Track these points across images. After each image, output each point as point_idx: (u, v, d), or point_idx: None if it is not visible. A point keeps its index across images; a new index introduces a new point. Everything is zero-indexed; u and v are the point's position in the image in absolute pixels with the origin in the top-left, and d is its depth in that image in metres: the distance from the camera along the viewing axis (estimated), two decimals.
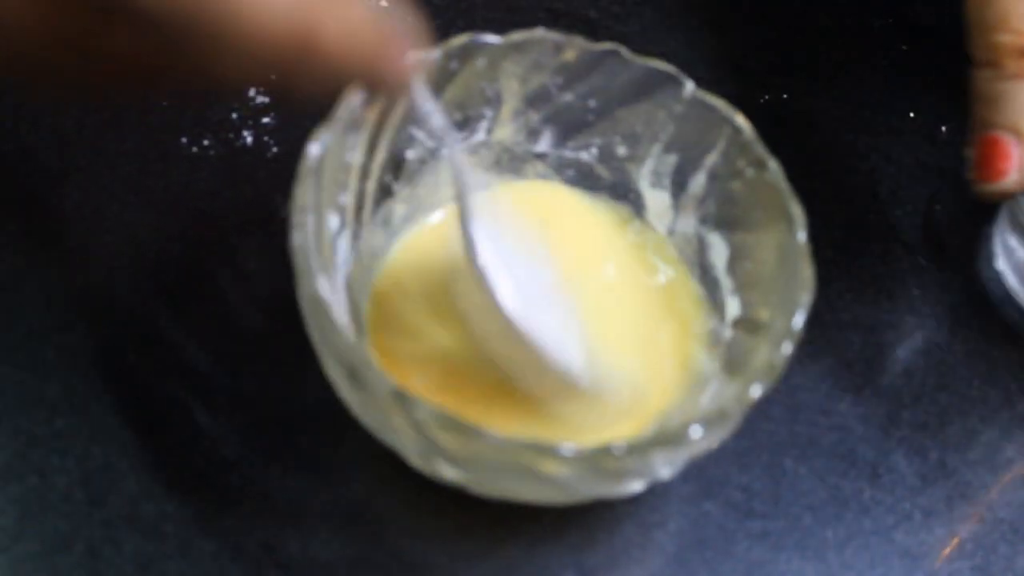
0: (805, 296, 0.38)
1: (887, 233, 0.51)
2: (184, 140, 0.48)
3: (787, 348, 0.37)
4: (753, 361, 0.39)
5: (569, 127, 0.45)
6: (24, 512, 0.40)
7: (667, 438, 0.36)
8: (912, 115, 0.55)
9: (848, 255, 0.50)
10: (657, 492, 0.42)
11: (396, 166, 0.44)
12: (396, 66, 0.35)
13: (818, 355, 0.46)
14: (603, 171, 0.46)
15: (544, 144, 0.46)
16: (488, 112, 0.44)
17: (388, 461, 0.43)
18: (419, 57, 0.36)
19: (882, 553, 0.43)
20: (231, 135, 0.49)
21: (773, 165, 0.41)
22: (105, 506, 0.40)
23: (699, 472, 0.43)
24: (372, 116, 0.41)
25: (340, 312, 0.39)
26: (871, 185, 0.52)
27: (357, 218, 0.42)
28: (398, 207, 0.45)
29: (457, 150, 0.39)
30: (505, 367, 0.41)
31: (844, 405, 0.45)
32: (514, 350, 0.40)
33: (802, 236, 0.39)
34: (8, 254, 0.45)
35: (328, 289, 0.38)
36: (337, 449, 0.42)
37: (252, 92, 0.50)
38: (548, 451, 0.35)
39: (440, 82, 0.42)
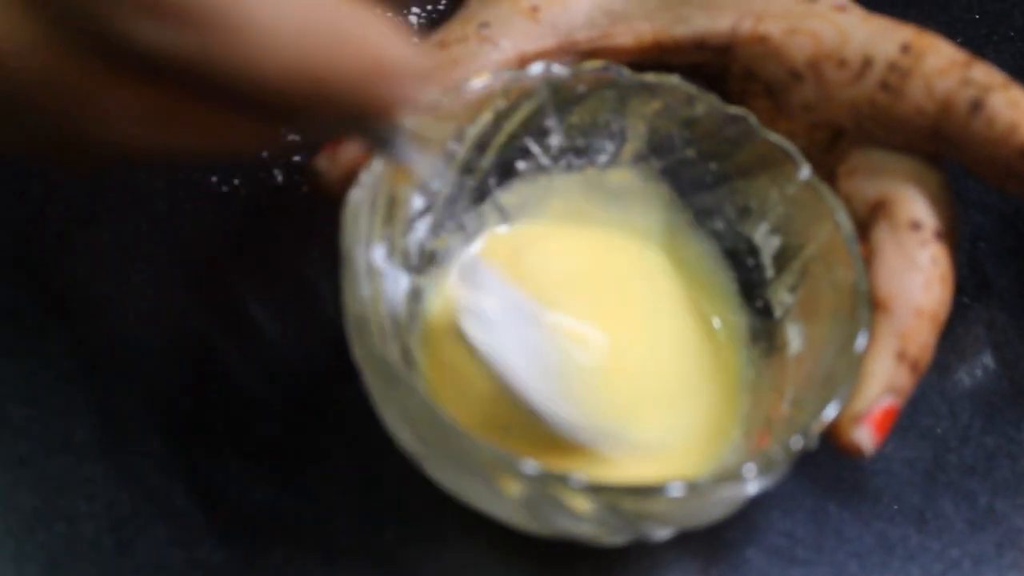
0: (844, 394, 0.38)
1: None
2: (214, 179, 0.48)
3: (798, 442, 0.37)
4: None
5: (685, 184, 0.44)
6: (52, 559, 0.39)
7: (725, 476, 0.36)
8: None
9: None
10: (699, 538, 0.41)
11: (504, 172, 0.44)
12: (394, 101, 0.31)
13: None
14: None
15: None
16: (609, 147, 0.44)
17: (423, 505, 0.42)
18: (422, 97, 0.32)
19: None
20: (262, 174, 0.48)
21: (860, 268, 0.39)
22: (134, 553, 0.40)
23: (741, 518, 0.42)
24: (488, 115, 0.41)
25: (395, 289, 0.41)
26: None
27: (449, 209, 0.43)
28: (494, 213, 0.44)
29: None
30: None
31: (888, 448, 0.44)
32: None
33: (863, 342, 0.38)
34: (37, 297, 0.44)
35: (382, 258, 0.40)
36: (371, 493, 0.42)
37: (284, 130, 0.49)
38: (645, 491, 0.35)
39: (566, 102, 0.42)
